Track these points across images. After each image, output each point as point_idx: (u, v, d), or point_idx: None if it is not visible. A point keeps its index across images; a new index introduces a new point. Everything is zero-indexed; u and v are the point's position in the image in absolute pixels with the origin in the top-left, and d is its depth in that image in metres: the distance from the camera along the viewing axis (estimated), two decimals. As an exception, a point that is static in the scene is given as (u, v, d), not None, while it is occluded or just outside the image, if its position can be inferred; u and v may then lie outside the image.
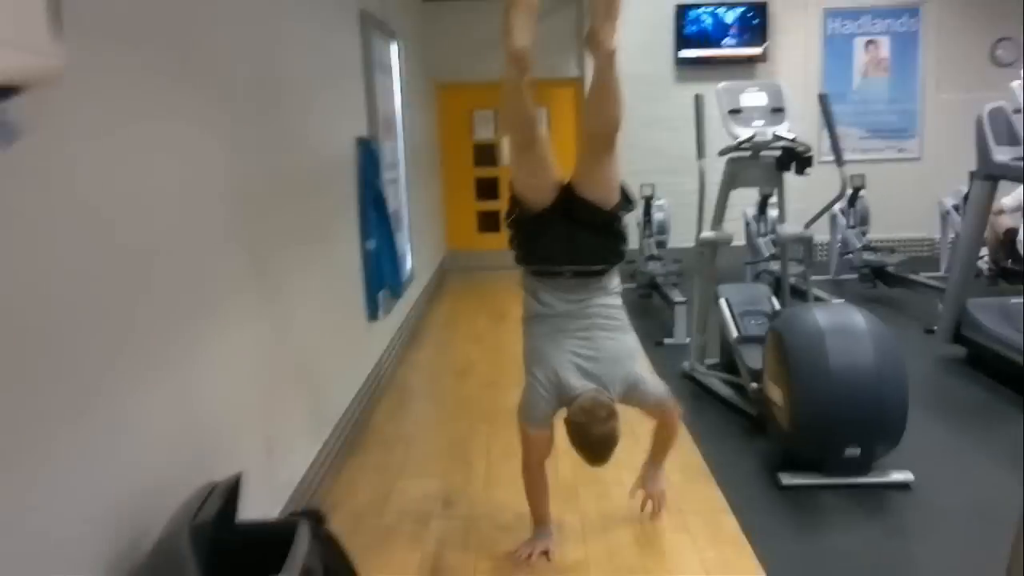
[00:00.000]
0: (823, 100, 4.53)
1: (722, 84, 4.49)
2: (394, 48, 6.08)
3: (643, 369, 2.90)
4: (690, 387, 4.56)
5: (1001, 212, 6.08)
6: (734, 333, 4.29)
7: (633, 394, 2.74)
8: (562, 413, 2.69)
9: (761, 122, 4.29)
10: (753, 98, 4.40)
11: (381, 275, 4.78)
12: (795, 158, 4.18)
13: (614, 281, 2.81)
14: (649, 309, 6.44)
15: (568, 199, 2.65)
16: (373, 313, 4.73)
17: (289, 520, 2.06)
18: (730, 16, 8.41)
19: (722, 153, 4.30)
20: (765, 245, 6.53)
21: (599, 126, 2.59)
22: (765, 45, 8.38)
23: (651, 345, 5.31)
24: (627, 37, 8.25)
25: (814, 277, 4.83)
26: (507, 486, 3.24)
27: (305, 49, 3.67)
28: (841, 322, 3.31)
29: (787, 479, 3.29)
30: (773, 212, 5.57)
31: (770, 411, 3.53)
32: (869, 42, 8.48)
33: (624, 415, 2.68)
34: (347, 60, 4.63)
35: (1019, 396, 4.22)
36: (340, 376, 3.98)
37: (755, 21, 8.40)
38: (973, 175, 4.83)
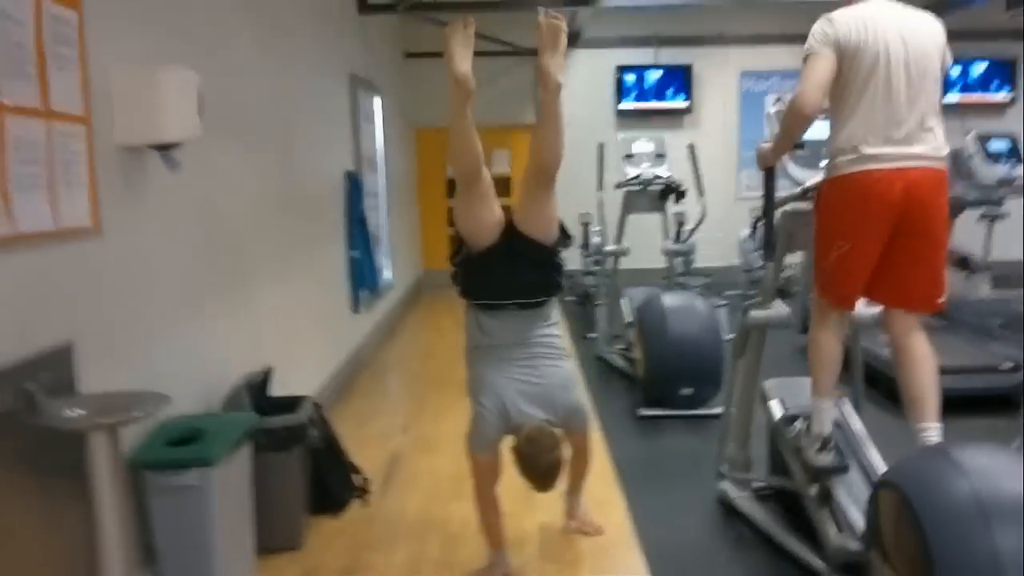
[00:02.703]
0: (691, 149, 6.01)
1: (620, 135, 5.99)
2: (377, 101, 7.56)
3: (580, 397, 3.00)
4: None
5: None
6: (627, 318, 5.71)
7: (572, 421, 2.85)
8: (508, 440, 2.82)
9: (647, 164, 5.77)
10: (643, 146, 5.89)
11: (363, 277, 6.19)
12: (672, 191, 5.65)
13: (553, 311, 2.91)
14: (580, 313, 7.91)
15: (510, 236, 2.74)
16: (356, 306, 6.13)
17: (300, 397, 3.44)
18: (660, 75, 9.96)
19: (617, 186, 5.77)
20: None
21: (543, 160, 2.69)
22: (690, 100, 9.94)
23: (580, 339, 6.76)
24: (575, 90, 9.76)
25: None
26: (445, 420, 4.62)
27: (308, 103, 5.11)
28: (682, 304, 4.76)
29: (643, 411, 4.71)
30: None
31: (636, 366, 4.94)
32: (777, 98, 10.05)
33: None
34: (338, 111, 6.09)
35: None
36: (332, 344, 5.36)
37: (682, 80, 9.96)
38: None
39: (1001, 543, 1.97)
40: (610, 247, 5.96)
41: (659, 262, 6.18)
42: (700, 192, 5.72)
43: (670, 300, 4.78)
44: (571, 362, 2.94)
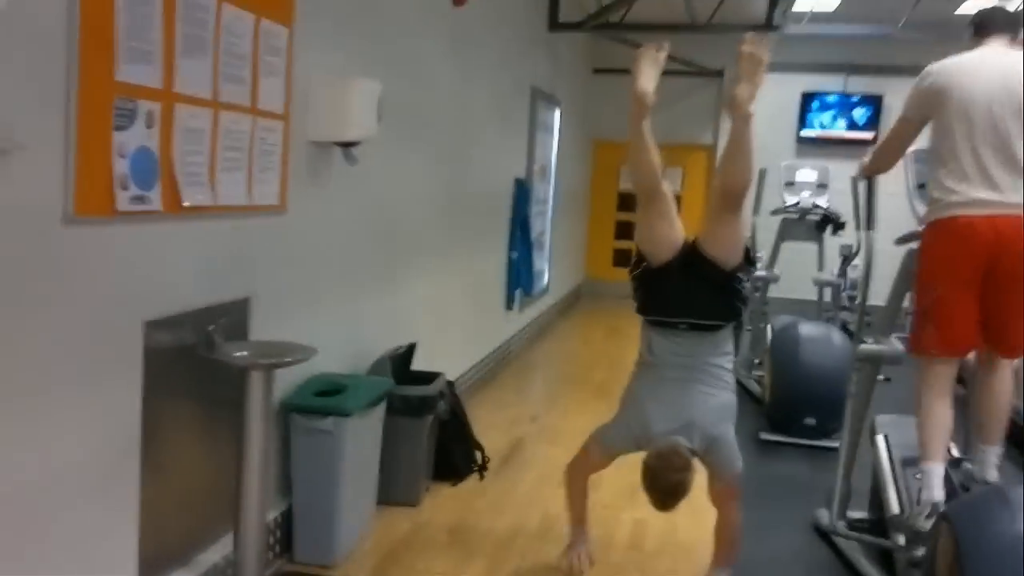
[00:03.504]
0: (854, 181, 5.93)
1: (784, 163, 6.03)
2: (556, 113, 7.96)
3: (731, 432, 2.82)
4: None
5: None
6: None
7: (712, 453, 2.74)
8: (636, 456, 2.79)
9: (808, 193, 5.80)
10: (806, 174, 5.91)
11: (519, 278, 6.60)
12: (830, 221, 5.66)
13: (727, 343, 2.81)
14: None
15: (690, 255, 2.69)
16: (509, 304, 6.56)
17: (436, 373, 3.86)
18: (847, 104, 9.74)
19: (774, 213, 5.83)
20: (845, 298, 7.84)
21: (729, 185, 2.65)
22: (877, 132, 9.63)
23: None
24: (757, 116, 9.79)
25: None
26: (573, 416, 4.92)
27: (487, 113, 5.57)
28: (818, 334, 4.79)
29: (764, 435, 4.79)
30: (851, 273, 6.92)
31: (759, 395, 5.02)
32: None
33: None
34: (516, 122, 6.53)
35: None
36: (482, 336, 5.80)
37: (871, 110, 9.68)
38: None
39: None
40: (760, 272, 6.03)
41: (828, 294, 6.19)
42: (857, 226, 5.67)
43: (806, 330, 4.83)
44: (734, 397, 2.80)
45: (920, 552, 2.83)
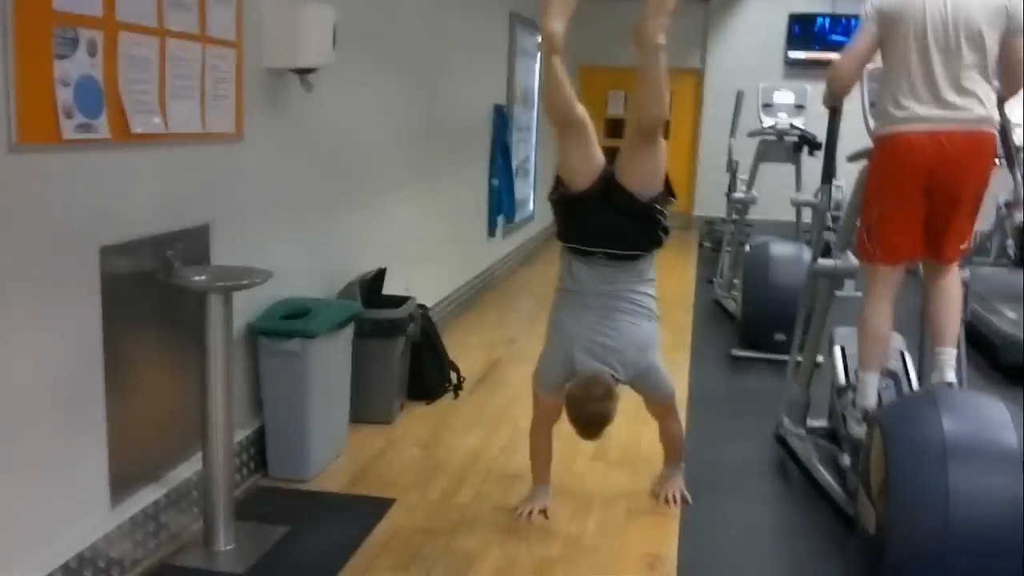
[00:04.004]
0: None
1: (761, 84, 6.00)
2: (538, 39, 7.87)
3: (658, 359, 2.85)
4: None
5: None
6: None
7: (643, 381, 2.81)
8: None
9: (784, 115, 5.79)
10: (783, 96, 5.89)
11: (500, 205, 6.65)
12: (807, 142, 5.66)
13: (650, 271, 2.80)
14: (713, 259, 8.00)
15: (607, 185, 2.67)
16: (492, 231, 6.61)
17: (406, 297, 3.94)
18: (834, 24, 9.62)
19: (750, 135, 5.83)
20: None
21: (643, 119, 2.63)
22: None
23: (706, 282, 6.97)
24: (744, 38, 9.71)
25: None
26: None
27: (461, 39, 5.54)
28: (788, 253, 4.86)
29: (736, 352, 4.90)
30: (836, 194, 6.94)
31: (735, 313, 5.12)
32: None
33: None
34: (495, 48, 6.49)
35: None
36: (462, 262, 5.88)
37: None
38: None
39: (954, 479, 2.10)
40: (737, 195, 6.06)
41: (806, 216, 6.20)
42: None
43: (777, 249, 4.90)
44: (656, 324, 2.82)
45: (848, 459, 2.99)
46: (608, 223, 2.68)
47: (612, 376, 2.69)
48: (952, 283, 3.03)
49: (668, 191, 2.75)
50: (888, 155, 2.93)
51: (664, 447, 3.10)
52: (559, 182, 2.77)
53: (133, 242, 2.44)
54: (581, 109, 2.69)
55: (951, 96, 2.79)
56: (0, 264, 1.99)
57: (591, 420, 2.65)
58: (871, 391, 3.00)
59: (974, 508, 2.11)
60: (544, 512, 2.93)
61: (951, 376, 3.01)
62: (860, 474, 2.60)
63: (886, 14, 2.89)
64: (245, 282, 2.56)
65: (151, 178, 2.53)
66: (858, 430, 2.96)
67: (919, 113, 2.81)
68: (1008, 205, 6.68)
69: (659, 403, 2.92)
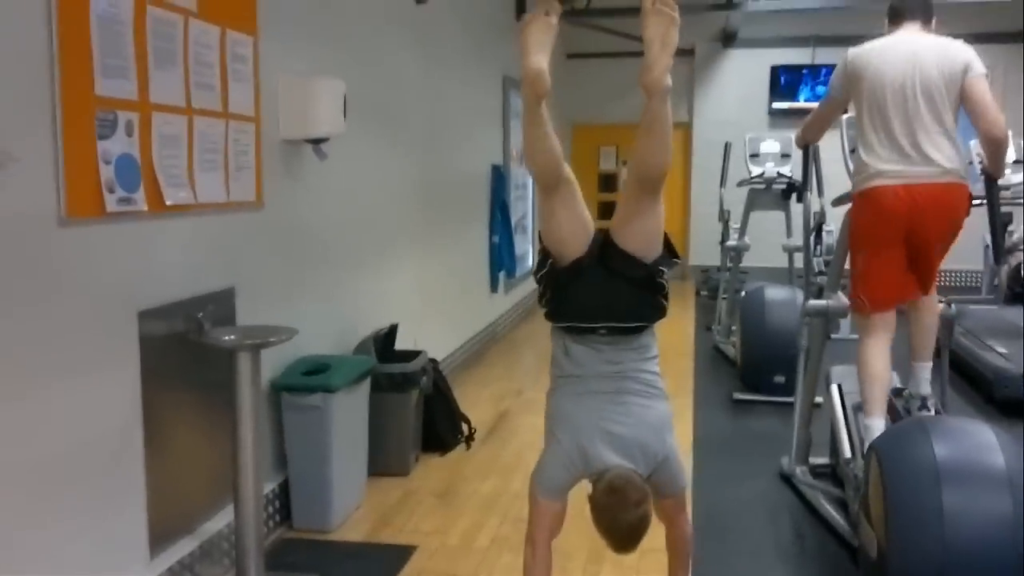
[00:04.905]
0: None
1: (748, 135, 6.25)
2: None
3: (676, 446, 2.42)
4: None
5: (1016, 247, 7.35)
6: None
7: (662, 473, 2.35)
8: (581, 487, 2.35)
9: (772, 164, 6.02)
10: (769, 146, 6.13)
11: (501, 261, 6.83)
12: (795, 190, 5.87)
13: (653, 346, 2.45)
14: (711, 306, 8.18)
15: (605, 249, 2.35)
16: (494, 287, 6.79)
17: (418, 351, 4.09)
18: (817, 75, 9.96)
19: (739, 184, 6.06)
20: (817, 264, 8.07)
21: (649, 169, 2.28)
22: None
23: (704, 330, 7.12)
24: (729, 90, 10.03)
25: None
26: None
27: (458, 104, 5.79)
28: (783, 297, 5.03)
29: (737, 395, 5.04)
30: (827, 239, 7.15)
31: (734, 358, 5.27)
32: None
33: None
34: (490, 110, 6.75)
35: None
36: (467, 317, 6.04)
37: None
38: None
39: (948, 502, 2.22)
40: (731, 242, 6.26)
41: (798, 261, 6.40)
42: (820, 192, 5.90)
43: (772, 293, 5.07)
44: (668, 404, 2.41)
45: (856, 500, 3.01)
46: (608, 293, 2.33)
47: (636, 473, 2.27)
48: (929, 310, 3.30)
49: (671, 252, 2.43)
50: (864, 209, 3.15)
51: (672, 554, 2.52)
52: (545, 255, 2.40)
53: (167, 306, 2.60)
54: (567, 166, 2.35)
55: (913, 153, 3.02)
56: (49, 329, 2.15)
57: (632, 532, 2.20)
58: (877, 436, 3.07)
59: (969, 528, 2.22)
60: None
61: (926, 389, 3.33)
62: (861, 503, 2.71)
63: (851, 74, 3.15)
64: (272, 340, 2.71)
65: (182, 246, 2.70)
66: (857, 464, 3.08)
67: (887, 169, 3.03)
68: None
69: (672, 498, 2.42)
